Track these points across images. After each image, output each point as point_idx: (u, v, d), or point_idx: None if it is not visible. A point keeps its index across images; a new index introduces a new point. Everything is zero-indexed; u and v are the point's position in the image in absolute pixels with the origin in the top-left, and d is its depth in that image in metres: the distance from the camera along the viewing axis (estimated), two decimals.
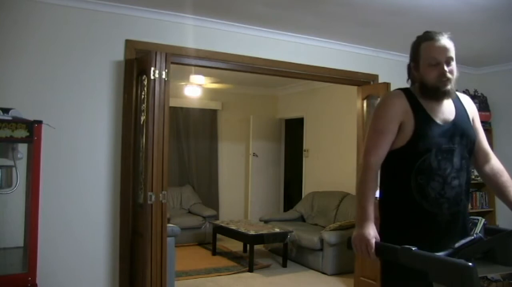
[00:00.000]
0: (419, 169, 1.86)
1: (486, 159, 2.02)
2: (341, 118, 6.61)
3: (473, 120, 2.00)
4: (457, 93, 2.01)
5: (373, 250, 1.73)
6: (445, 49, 1.86)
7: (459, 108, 1.97)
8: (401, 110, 1.90)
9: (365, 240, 1.76)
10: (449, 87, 1.88)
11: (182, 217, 6.70)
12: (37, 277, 2.45)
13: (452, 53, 1.88)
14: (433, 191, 1.84)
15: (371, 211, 1.84)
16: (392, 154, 1.92)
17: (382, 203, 1.99)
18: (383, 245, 1.74)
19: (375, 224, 1.84)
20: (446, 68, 1.86)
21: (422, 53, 1.89)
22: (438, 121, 1.90)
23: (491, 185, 2.02)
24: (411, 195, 1.86)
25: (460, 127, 1.92)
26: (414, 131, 1.87)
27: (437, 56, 1.86)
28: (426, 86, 1.89)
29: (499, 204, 5.10)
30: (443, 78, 1.86)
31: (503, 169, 2.00)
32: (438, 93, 1.88)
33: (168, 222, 3.67)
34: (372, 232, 1.78)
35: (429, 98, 1.90)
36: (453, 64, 1.89)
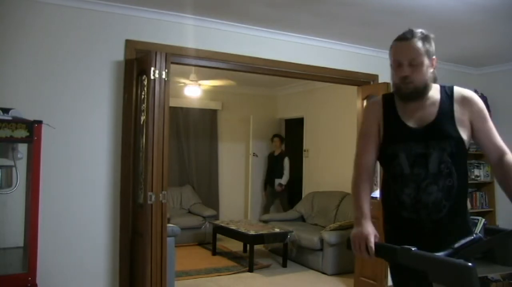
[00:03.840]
0: (393, 175, 1.88)
1: (501, 157, 1.82)
2: (341, 118, 6.61)
3: (472, 119, 1.84)
4: (456, 89, 1.89)
5: (372, 246, 1.72)
6: (407, 50, 1.78)
7: (444, 109, 1.84)
8: (377, 114, 1.95)
9: (364, 237, 1.75)
10: (411, 89, 1.80)
11: (182, 217, 6.70)
12: (37, 277, 2.46)
13: (418, 53, 1.77)
14: (408, 198, 1.83)
15: (368, 209, 1.85)
16: (379, 160, 1.97)
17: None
18: (382, 245, 1.73)
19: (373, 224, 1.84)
20: (407, 69, 1.77)
21: (390, 55, 1.87)
22: (411, 124, 1.85)
23: (500, 182, 1.84)
24: (391, 201, 1.90)
25: (437, 130, 1.81)
26: (383, 136, 1.91)
27: (398, 57, 1.80)
28: (393, 88, 1.90)
29: (499, 204, 5.10)
30: (406, 80, 1.79)
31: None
32: (401, 95, 1.85)
33: (168, 222, 3.67)
34: (370, 229, 1.77)
35: (401, 101, 1.88)
36: (422, 64, 1.78)
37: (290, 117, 8.10)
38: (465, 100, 1.86)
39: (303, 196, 7.32)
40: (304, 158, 7.59)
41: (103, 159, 3.41)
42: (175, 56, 3.56)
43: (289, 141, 8.26)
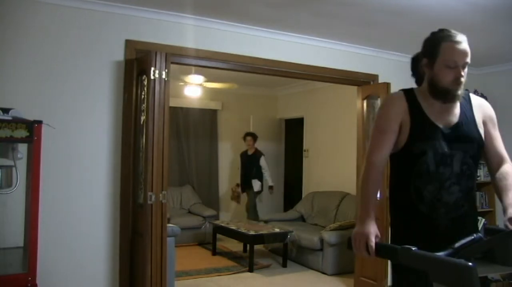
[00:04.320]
0: (417, 172, 1.86)
1: (500, 164, 1.91)
2: (341, 118, 6.61)
3: (485, 124, 1.93)
4: (471, 95, 1.98)
5: (373, 246, 1.72)
6: (465, 54, 1.84)
7: (466, 111, 1.91)
8: (400, 110, 1.90)
9: (365, 236, 1.75)
10: (460, 91, 1.84)
11: (182, 217, 6.70)
12: (37, 277, 2.45)
13: (469, 57, 1.86)
14: (429, 195, 1.83)
15: (372, 209, 1.85)
16: (394, 156, 1.93)
17: (389, 203, 2.02)
18: (383, 245, 1.73)
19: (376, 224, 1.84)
20: (462, 72, 1.82)
21: (442, 53, 1.83)
22: (438, 124, 1.87)
23: (494, 188, 1.92)
24: (409, 197, 1.87)
25: (462, 132, 1.86)
26: (410, 133, 1.87)
27: (457, 59, 1.82)
28: (436, 86, 1.85)
29: (499, 204, 5.08)
30: (458, 81, 1.82)
31: (510, 173, 1.87)
32: (449, 95, 1.84)
33: (168, 222, 3.67)
34: (372, 229, 1.77)
35: (436, 99, 1.87)
36: (467, 68, 1.87)
37: (290, 117, 8.10)
38: (481, 105, 1.97)
39: (303, 196, 7.32)
40: (304, 158, 7.59)
41: (103, 159, 3.41)
42: (175, 56, 3.56)
43: (289, 141, 8.27)
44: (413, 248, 1.49)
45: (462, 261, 1.32)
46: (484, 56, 4.83)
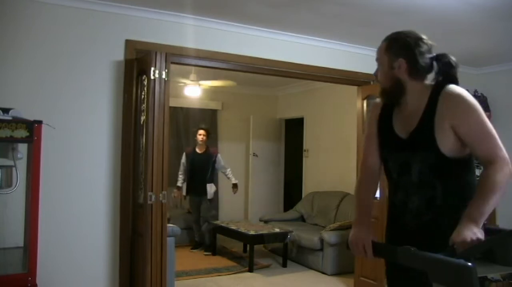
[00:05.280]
0: (388, 178, 1.91)
1: (486, 166, 1.66)
2: (341, 118, 6.61)
3: (456, 128, 1.66)
4: (445, 94, 1.69)
5: (369, 249, 1.73)
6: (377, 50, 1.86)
7: (427, 116, 1.71)
8: (374, 118, 1.96)
9: (361, 239, 1.77)
10: (380, 89, 1.86)
11: (182, 217, 6.70)
12: (37, 277, 2.45)
13: (379, 53, 1.84)
14: (397, 201, 1.85)
15: (366, 213, 1.88)
16: None
17: None
18: (382, 245, 1.74)
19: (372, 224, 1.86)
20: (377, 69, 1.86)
21: None
22: (399, 132, 1.82)
23: None
24: (390, 200, 1.93)
25: (418, 140, 1.74)
26: (377, 141, 1.93)
27: None
28: None
29: (499, 204, 5.09)
30: (377, 79, 1.87)
31: (484, 183, 1.62)
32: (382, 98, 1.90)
33: (168, 222, 3.67)
34: (368, 232, 1.79)
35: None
36: (382, 64, 1.83)
37: (290, 117, 8.10)
38: (450, 108, 1.68)
39: (303, 196, 7.32)
40: (304, 158, 7.59)
41: (103, 159, 3.41)
42: (175, 56, 3.56)
43: (289, 141, 8.26)
44: (413, 248, 1.49)
45: (462, 261, 1.32)
46: (484, 56, 4.83)
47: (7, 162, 2.68)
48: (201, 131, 6.18)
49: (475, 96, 5.40)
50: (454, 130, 1.66)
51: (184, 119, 7.59)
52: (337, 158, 6.68)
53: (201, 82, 6.27)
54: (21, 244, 2.81)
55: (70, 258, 3.27)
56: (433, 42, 1.80)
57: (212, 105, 7.72)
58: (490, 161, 1.64)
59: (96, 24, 3.39)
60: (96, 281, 3.37)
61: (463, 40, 4.18)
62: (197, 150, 6.21)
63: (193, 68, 5.56)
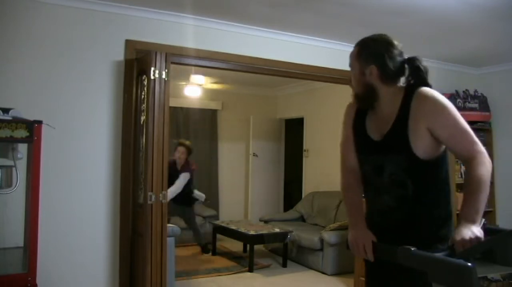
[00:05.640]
0: (362, 179, 1.93)
1: (467, 164, 1.67)
2: (341, 118, 6.56)
3: (431, 130, 1.66)
4: (417, 96, 1.70)
5: (370, 250, 1.74)
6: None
7: (400, 119, 1.72)
8: (350, 118, 1.98)
9: (361, 240, 1.77)
10: (354, 96, 1.88)
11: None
12: (37, 277, 2.45)
13: (351, 58, 1.89)
14: (369, 200, 1.90)
15: (358, 213, 1.88)
16: None
17: None
18: (382, 245, 1.74)
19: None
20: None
21: None
22: (372, 134, 1.84)
23: None
24: (365, 201, 1.96)
25: (389, 143, 1.75)
26: (354, 143, 1.94)
27: None
28: None
29: (499, 204, 5.10)
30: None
31: (470, 181, 1.62)
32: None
33: (168, 222, 3.67)
34: (366, 232, 1.79)
35: None
36: (353, 68, 1.88)
37: (290, 117, 8.10)
38: (421, 106, 1.68)
39: (303, 196, 7.32)
40: (304, 158, 7.59)
41: (103, 159, 3.41)
42: (175, 56, 3.56)
43: (289, 141, 8.27)
44: (412, 248, 1.49)
45: (462, 261, 1.32)
46: (484, 56, 4.82)
47: (7, 162, 2.68)
48: (180, 149, 5.55)
49: (475, 96, 5.42)
50: (430, 132, 1.67)
51: (184, 119, 7.59)
52: (337, 158, 6.61)
53: (199, 83, 6.27)
54: (21, 244, 2.81)
55: (70, 258, 3.27)
56: (402, 44, 1.81)
57: (212, 105, 7.73)
58: (470, 157, 1.66)
59: (96, 24, 3.39)
60: (96, 281, 3.37)
61: (463, 40, 4.18)
62: (176, 164, 5.64)
63: (193, 68, 5.56)
